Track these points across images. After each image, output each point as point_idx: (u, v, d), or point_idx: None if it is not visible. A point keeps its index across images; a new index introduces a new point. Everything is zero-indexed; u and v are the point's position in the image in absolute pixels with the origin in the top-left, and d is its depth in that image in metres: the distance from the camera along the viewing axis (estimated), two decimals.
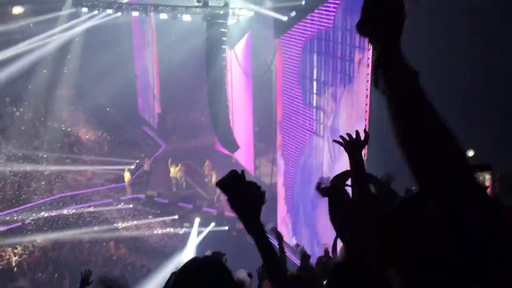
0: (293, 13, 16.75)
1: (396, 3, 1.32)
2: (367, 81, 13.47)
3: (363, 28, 1.36)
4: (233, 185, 1.97)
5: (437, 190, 1.27)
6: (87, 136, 26.75)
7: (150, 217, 21.31)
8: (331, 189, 3.05)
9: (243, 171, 1.99)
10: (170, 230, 20.60)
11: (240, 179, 1.97)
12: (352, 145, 2.94)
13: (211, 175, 22.91)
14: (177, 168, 23.17)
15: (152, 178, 24.53)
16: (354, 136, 3.03)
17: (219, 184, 2.00)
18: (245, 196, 1.97)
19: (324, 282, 2.22)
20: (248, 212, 2.03)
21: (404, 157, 1.31)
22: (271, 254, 2.17)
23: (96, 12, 21.85)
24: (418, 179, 1.31)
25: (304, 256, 6.26)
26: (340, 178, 3.16)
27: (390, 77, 1.32)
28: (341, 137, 3.13)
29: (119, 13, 21.49)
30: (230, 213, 21.42)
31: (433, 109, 1.28)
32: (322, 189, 3.07)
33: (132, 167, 24.48)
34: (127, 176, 23.22)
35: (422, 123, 1.27)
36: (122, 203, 22.24)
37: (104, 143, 26.51)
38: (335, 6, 14.86)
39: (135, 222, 20.84)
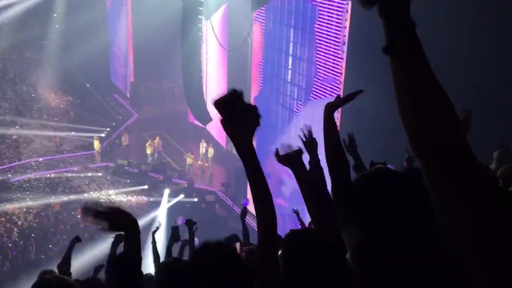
0: None
1: None
2: (342, 59, 13.51)
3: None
4: (230, 104, 1.85)
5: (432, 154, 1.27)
6: (56, 102, 26.22)
7: (120, 186, 21.15)
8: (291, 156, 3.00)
9: (241, 89, 1.87)
10: (139, 199, 20.51)
11: (239, 99, 1.86)
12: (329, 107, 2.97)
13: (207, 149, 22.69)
14: (155, 141, 22.94)
15: (123, 146, 24.30)
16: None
17: (216, 103, 1.85)
18: (242, 117, 1.87)
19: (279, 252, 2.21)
20: (242, 135, 1.92)
21: (405, 123, 1.31)
22: (260, 182, 2.04)
23: None
24: (414, 143, 1.31)
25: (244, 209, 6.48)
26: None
27: (401, 55, 1.31)
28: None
29: None
30: (200, 185, 21.49)
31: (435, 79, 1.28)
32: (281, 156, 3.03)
33: (102, 135, 24.19)
34: (96, 144, 22.90)
35: (427, 91, 1.28)
36: (92, 171, 22.00)
37: (73, 110, 26.04)
38: None
39: (103, 191, 20.66)
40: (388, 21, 1.31)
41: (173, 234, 5.97)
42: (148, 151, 22.82)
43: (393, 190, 2.07)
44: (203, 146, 22.86)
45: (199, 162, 22.76)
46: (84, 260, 13.28)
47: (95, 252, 14.42)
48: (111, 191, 20.62)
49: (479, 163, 1.25)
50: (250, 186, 2.03)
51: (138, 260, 2.33)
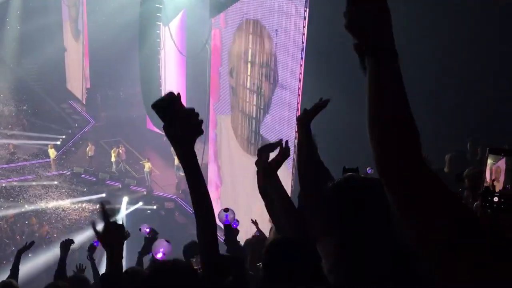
0: None
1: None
2: (301, 65, 13.63)
3: (353, 26, 1.36)
4: (169, 107, 1.80)
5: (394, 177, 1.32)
6: (9, 110, 25.52)
7: (76, 194, 20.71)
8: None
9: (179, 93, 1.82)
10: (97, 208, 20.12)
11: (176, 102, 1.81)
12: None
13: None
14: (119, 150, 22.60)
15: (79, 154, 23.84)
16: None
17: (154, 105, 1.80)
18: (180, 121, 1.81)
19: (259, 264, 2.19)
20: (182, 139, 1.86)
21: (374, 144, 1.35)
22: (202, 194, 1.97)
23: None
24: (379, 163, 1.35)
25: (231, 230, 5.69)
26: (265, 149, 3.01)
27: (378, 77, 1.34)
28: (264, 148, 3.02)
29: None
30: (159, 192, 21.28)
31: (408, 107, 1.32)
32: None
33: (58, 142, 23.67)
34: (51, 152, 22.40)
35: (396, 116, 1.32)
36: (47, 180, 21.47)
37: (27, 118, 25.41)
38: None
39: (59, 200, 20.19)
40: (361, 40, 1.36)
41: (146, 246, 5.96)
42: (113, 159, 22.47)
43: (367, 200, 2.03)
44: (115, 154, 22.63)
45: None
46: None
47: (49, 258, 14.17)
48: (67, 200, 20.17)
49: (438, 182, 1.29)
50: (190, 193, 1.98)
51: (118, 277, 2.40)
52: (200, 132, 1.86)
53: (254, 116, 16.54)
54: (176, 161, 21.37)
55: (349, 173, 2.38)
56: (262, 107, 16.10)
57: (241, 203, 15.87)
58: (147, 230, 6.24)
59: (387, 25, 1.35)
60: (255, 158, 2.82)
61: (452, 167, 5.53)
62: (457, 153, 5.85)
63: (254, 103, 16.46)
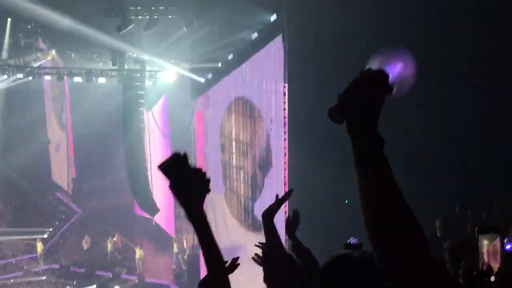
0: (210, 75, 17.09)
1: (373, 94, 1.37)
2: (285, 139, 13.81)
3: (336, 114, 1.39)
4: (176, 168, 1.79)
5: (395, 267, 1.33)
6: None
7: None
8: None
9: (185, 153, 1.82)
10: None
11: (183, 162, 1.80)
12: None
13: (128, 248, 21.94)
14: (114, 239, 22.20)
15: (68, 245, 23.34)
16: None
17: (161, 166, 1.78)
18: (188, 180, 1.80)
19: None
20: (190, 199, 1.84)
21: (372, 241, 1.36)
22: (212, 250, 1.91)
23: (5, 76, 21.02)
24: (378, 253, 1.35)
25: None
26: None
27: (364, 172, 1.36)
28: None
29: (30, 78, 20.75)
30: (151, 279, 20.72)
31: (402, 198, 1.34)
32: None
33: (45, 236, 23.22)
34: (39, 246, 21.93)
35: (391, 212, 1.33)
36: (35, 275, 20.86)
37: (10, 213, 25.03)
38: (250, 68, 15.32)
39: None
40: (356, 138, 1.37)
41: None
42: (109, 249, 22.02)
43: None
44: (111, 244, 22.22)
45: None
46: None
47: None
48: None
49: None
50: (202, 253, 1.93)
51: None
52: (208, 190, 1.85)
53: (244, 194, 16.51)
54: (176, 248, 20.99)
55: (342, 252, 2.23)
56: (250, 184, 16.12)
57: (241, 279, 15.48)
58: None
59: (375, 121, 1.38)
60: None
61: (443, 232, 5.53)
62: (447, 218, 5.87)
63: (242, 180, 16.49)
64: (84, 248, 22.39)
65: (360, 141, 1.37)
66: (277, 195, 3.27)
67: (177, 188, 1.83)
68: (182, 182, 1.81)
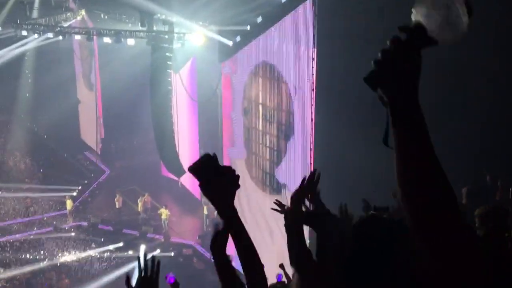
0: (238, 38, 16.94)
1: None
2: (312, 105, 13.71)
3: (374, 80, 1.35)
4: (206, 168, 1.87)
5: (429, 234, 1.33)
6: (25, 163, 25.84)
7: (94, 245, 20.63)
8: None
9: (215, 154, 1.90)
10: (115, 258, 19.99)
11: (213, 163, 1.88)
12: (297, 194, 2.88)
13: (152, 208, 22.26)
14: (144, 198, 22.63)
15: (96, 204, 23.88)
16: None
17: (191, 169, 1.86)
18: (218, 180, 1.87)
19: None
20: (222, 198, 1.92)
21: (405, 204, 1.35)
22: (245, 245, 2.02)
23: (36, 35, 21.22)
24: (413, 221, 1.35)
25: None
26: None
27: (402, 137, 1.34)
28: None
29: (60, 37, 20.90)
30: (176, 240, 21.13)
31: (439, 166, 1.32)
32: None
33: (74, 193, 23.80)
34: (69, 204, 22.52)
35: (428, 180, 1.32)
36: (64, 232, 21.48)
37: (42, 170, 25.65)
38: (278, 31, 15.13)
39: (77, 252, 20.12)
40: (395, 102, 1.33)
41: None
42: (140, 208, 22.49)
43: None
44: (141, 203, 22.50)
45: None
46: None
47: None
48: (85, 252, 20.10)
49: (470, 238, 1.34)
50: (236, 248, 2.01)
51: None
52: (238, 186, 1.92)
53: (268, 158, 16.57)
54: (206, 210, 21.25)
55: (372, 214, 2.25)
56: (276, 149, 16.14)
57: (260, 242, 15.71)
58: (172, 280, 6.18)
59: (418, 77, 1.33)
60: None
61: (469, 200, 5.49)
62: (474, 186, 5.80)
63: (267, 144, 16.52)
64: (117, 206, 22.83)
65: (400, 104, 1.33)
66: (304, 178, 2.94)
67: (208, 189, 1.90)
68: (213, 182, 1.88)
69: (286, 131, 15.47)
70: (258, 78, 16.61)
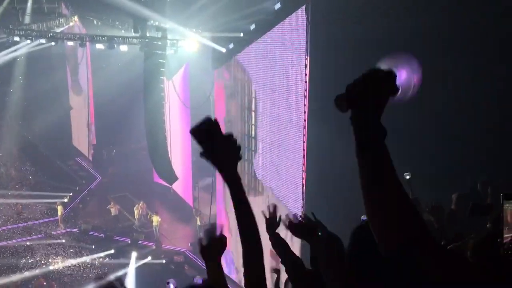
0: (231, 45, 16.96)
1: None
2: (304, 112, 13.74)
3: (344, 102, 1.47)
4: (208, 133, 1.82)
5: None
6: (15, 170, 25.69)
7: (84, 252, 20.49)
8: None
9: (216, 119, 1.85)
10: (106, 265, 19.86)
11: (215, 127, 1.82)
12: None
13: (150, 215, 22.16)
14: (139, 205, 22.52)
15: (87, 210, 23.76)
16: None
17: (193, 131, 1.81)
18: (222, 146, 1.83)
19: None
20: (225, 163, 1.89)
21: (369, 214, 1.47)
22: (247, 214, 2.00)
23: (28, 41, 21.10)
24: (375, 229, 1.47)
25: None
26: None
27: (368, 160, 1.46)
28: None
29: (53, 43, 20.79)
30: (168, 246, 21.04)
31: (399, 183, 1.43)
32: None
33: (65, 200, 23.65)
34: (60, 210, 22.39)
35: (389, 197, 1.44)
36: (55, 238, 21.32)
37: (33, 176, 25.50)
38: (271, 39, 15.17)
39: (68, 259, 19.97)
40: (358, 128, 1.46)
41: None
42: (136, 216, 22.36)
43: None
44: (138, 210, 22.45)
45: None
46: None
47: None
48: (76, 259, 19.96)
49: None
50: (236, 215, 2.01)
51: None
52: (239, 157, 1.89)
53: (260, 164, 16.55)
54: (198, 221, 21.12)
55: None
56: (267, 155, 16.13)
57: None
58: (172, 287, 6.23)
59: (382, 109, 1.45)
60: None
61: (459, 206, 5.52)
62: (464, 193, 5.84)
63: (260, 151, 16.51)
64: (112, 213, 22.70)
65: (361, 132, 1.45)
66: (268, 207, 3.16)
67: (211, 153, 1.85)
68: (216, 147, 1.84)
69: (278, 137, 15.47)
70: (250, 84, 16.63)
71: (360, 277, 1.96)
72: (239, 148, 1.88)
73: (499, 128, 7.41)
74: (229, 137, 1.86)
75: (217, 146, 1.83)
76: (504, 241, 1.58)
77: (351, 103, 1.44)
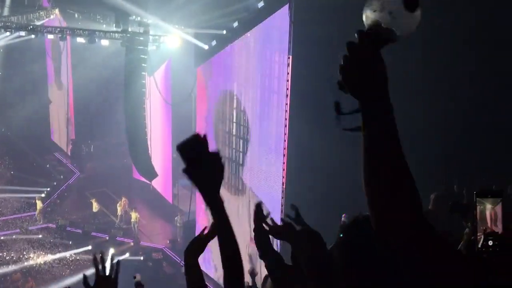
0: (214, 42, 16.92)
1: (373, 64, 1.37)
2: (286, 110, 13.75)
3: (345, 85, 1.40)
4: (195, 150, 1.73)
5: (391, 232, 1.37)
6: None
7: (61, 248, 20.26)
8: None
9: (205, 135, 1.76)
10: (82, 261, 19.66)
11: (203, 144, 1.74)
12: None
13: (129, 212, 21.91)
14: (121, 202, 22.25)
15: (64, 206, 23.51)
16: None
17: (179, 147, 1.72)
18: (207, 165, 1.75)
19: None
20: (209, 184, 1.80)
21: (370, 201, 1.38)
22: (228, 234, 1.92)
23: (7, 33, 20.75)
24: (375, 218, 1.38)
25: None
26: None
27: (372, 135, 1.37)
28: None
29: (32, 36, 20.46)
30: (146, 243, 20.91)
31: (405, 162, 1.35)
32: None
33: (43, 195, 23.35)
34: (38, 204, 22.08)
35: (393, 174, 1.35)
36: (32, 234, 21.05)
37: (11, 171, 25.12)
38: (254, 37, 15.17)
39: (44, 254, 19.74)
40: (363, 103, 1.38)
41: None
42: (119, 213, 22.11)
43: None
44: (121, 207, 22.15)
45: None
46: None
47: None
48: (53, 255, 19.73)
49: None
50: (218, 238, 1.95)
51: None
52: (222, 175, 1.81)
53: (240, 162, 16.55)
54: (179, 221, 20.91)
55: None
56: (248, 154, 16.13)
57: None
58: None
59: (382, 78, 1.37)
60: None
61: (437, 206, 5.57)
62: (442, 193, 5.90)
63: (241, 149, 16.51)
64: (94, 210, 22.39)
65: (369, 107, 1.37)
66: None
67: (195, 173, 1.77)
68: (201, 166, 1.75)
69: (256, 135, 15.48)
70: (233, 82, 16.61)
71: (353, 271, 1.91)
72: (223, 168, 1.81)
73: (474, 126, 7.52)
74: (216, 156, 1.79)
75: (203, 165, 1.76)
76: (478, 237, 1.56)
77: (348, 83, 1.39)
